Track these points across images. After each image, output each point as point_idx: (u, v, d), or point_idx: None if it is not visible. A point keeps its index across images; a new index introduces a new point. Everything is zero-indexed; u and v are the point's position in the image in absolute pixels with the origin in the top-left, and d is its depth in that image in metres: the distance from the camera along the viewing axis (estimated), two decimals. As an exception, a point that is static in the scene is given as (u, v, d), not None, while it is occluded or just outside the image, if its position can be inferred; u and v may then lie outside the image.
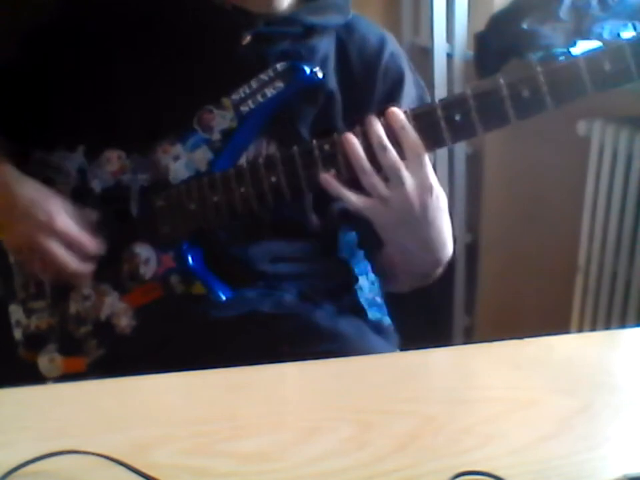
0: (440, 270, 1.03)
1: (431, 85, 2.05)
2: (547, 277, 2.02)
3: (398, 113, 0.86)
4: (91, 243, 0.96)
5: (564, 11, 1.69)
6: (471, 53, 2.03)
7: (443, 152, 2.15)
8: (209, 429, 0.66)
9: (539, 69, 0.79)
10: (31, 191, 0.96)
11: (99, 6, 1.02)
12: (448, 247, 0.98)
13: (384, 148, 0.85)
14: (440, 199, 0.91)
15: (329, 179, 0.88)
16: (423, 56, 2.19)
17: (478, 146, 2.21)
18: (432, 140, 0.86)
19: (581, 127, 1.76)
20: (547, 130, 1.91)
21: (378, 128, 0.86)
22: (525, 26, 1.72)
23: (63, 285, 1.01)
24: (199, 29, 0.97)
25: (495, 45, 1.81)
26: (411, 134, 0.86)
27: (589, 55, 0.77)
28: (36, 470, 0.59)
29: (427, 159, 0.87)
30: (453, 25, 2.10)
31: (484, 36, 1.89)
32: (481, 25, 1.92)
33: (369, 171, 0.86)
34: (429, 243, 0.95)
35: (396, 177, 0.86)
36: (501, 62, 1.73)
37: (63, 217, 0.95)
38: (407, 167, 0.87)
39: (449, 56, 2.13)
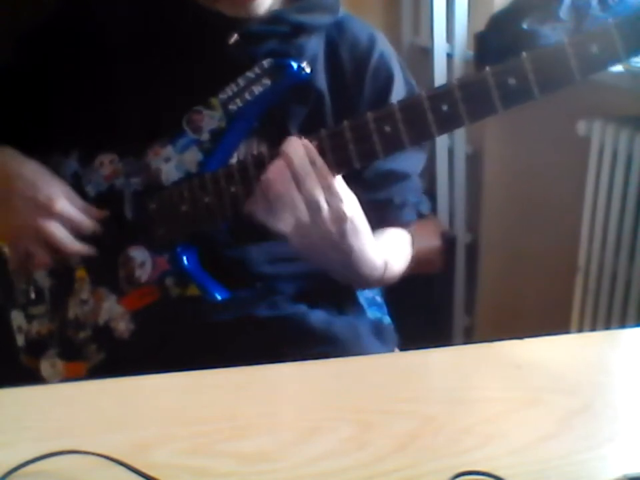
0: (380, 282, 1.03)
1: (431, 85, 2.05)
2: (547, 277, 2.02)
3: (306, 147, 0.84)
4: (88, 223, 0.97)
5: (564, 11, 1.69)
6: (471, 53, 2.03)
7: (443, 152, 2.15)
8: (209, 429, 0.66)
9: (524, 55, 0.78)
10: (32, 172, 0.97)
11: (89, 11, 1.01)
12: (375, 269, 0.96)
13: (299, 180, 0.84)
14: (357, 224, 0.89)
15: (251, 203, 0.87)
16: (423, 56, 2.20)
17: (478, 146, 2.21)
18: (419, 131, 0.83)
19: (581, 127, 1.76)
20: (547, 130, 1.92)
21: (293, 159, 0.84)
22: (525, 26, 1.72)
23: (62, 289, 1.01)
24: (186, 30, 0.97)
25: (495, 44, 1.81)
26: (320, 167, 0.84)
27: (575, 39, 0.76)
28: (36, 470, 0.59)
29: (338, 188, 0.85)
30: (453, 24, 2.10)
31: (484, 36, 1.89)
32: (480, 25, 1.92)
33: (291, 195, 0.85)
34: (350, 266, 0.93)
35: (313, 205, 0.85)
36: (501, 62, 1.73)
37: (62, 199, 0.95)
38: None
39: (449, 56, 2.13)
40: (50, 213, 0.94)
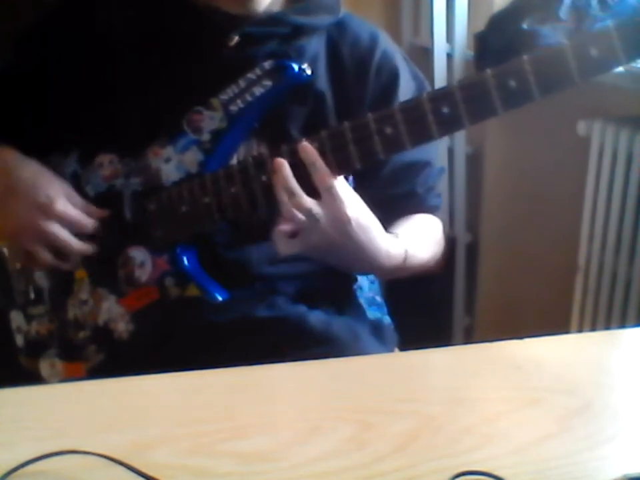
0: (404, 270, 0.99)
1: (431, 85, 2.05)
2: (547, 276, 2.02)
3: (308, 148, 0.84)
4: (89, 222, 0.96)
5: (564, 11, 1.69)
6: (471, 53, 2.03)
7: (443, 152, 2.15)
8: (209, 429, 0.66)
9: (525, 57, 0.78)
10: (32, 173, 0.97)
11: (89, 11, 1.01)
12: (393, 258, 0.93)
13: (292, 193, 0.84)
14: (363, 222, 0.88)
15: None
16: (423, 56, 2.20)
17: (478, 146, 2.21)
18: (420, 133, 0.83)
19: (581, 127, 1.76)
20: (547, 130, 1.92)
21: (285, 173, 0.85)
22: (525, 26, 1.72)
23: (61, 290, 1.01)
24: (186, 30, 0.97)
25: (495, 45, 1.81)
26: (320, 169, 0.84)
27: (575, 41, 0.76)
28: (36, 470, 0.59)
29: (339, 191, 0.85)
30: (453, 24, 2.10)
31: (484, 36, 1.89)
32: (480, 25, 1.92)
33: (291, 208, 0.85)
34: (363, 260, 0.91)
35: (310, 216, 0.85)
36: (501, 62, 1.72)
37: (62, 199, 0.95)
38: (320, 203, 0.85)
39: (449, 56, 2.13)
40: (50, 213, 0.94)
